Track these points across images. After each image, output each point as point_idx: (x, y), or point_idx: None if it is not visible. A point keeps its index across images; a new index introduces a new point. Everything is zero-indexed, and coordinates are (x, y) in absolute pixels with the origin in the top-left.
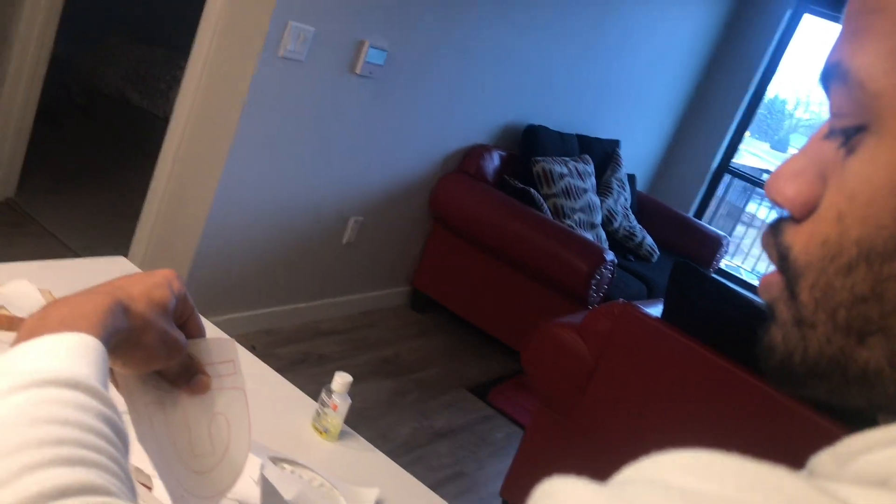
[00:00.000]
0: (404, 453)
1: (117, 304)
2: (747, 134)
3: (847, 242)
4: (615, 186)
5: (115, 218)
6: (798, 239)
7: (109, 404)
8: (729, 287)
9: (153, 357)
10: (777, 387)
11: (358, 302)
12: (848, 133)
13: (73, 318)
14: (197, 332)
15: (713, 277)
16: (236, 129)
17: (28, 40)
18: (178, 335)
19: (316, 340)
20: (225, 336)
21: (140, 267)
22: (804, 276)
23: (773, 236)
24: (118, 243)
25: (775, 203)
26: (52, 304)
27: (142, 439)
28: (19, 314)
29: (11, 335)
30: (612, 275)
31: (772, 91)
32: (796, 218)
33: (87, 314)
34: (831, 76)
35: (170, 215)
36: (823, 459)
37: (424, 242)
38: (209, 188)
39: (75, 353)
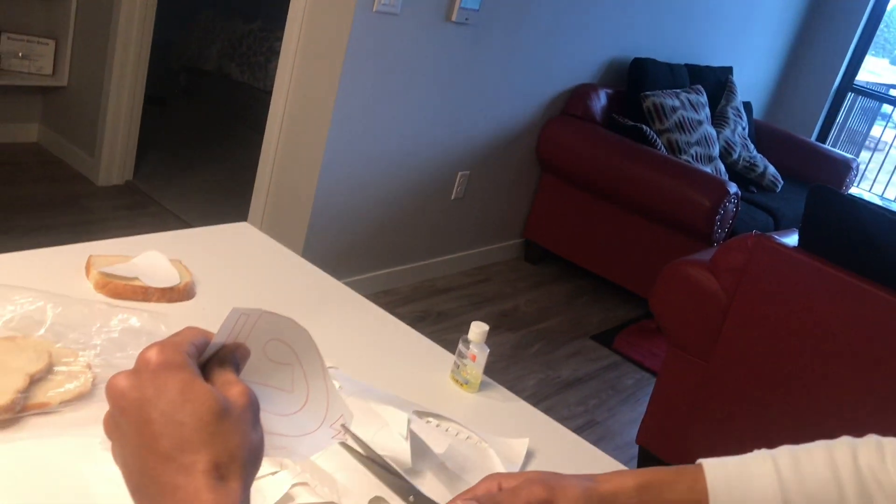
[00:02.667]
0: (533, 405)
1: (213, 488)
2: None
3: None
4: (731, 116)
5: (230, 192)
6: None
7: None
8: (873, 206)
9: (262, 441)
10: None
11: (472, 257)
12: None
13: None
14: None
15: (855, 198)
16: (337, 92)
17: (129, 29)
18: (243, 399)
19: (433, 298)
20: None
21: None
22: None
23: None
24: (235, 216)
25: None
26: None
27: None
28: (153, 285)
29: (147, 305)
30: (737, 208)
31: (893, 2)
32: None
33: None
34: None
35: (282, 185)
36: None
37: (534, 192)
38: (317, 154)
39: None
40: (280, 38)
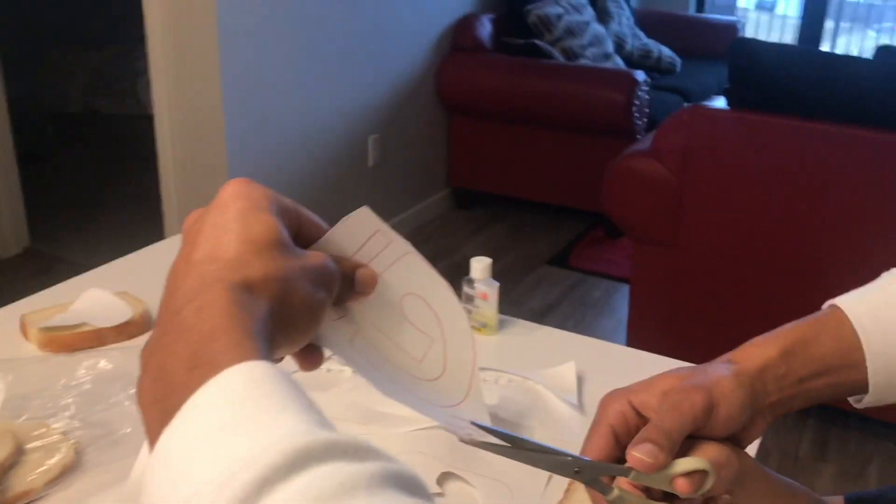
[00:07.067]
0: None
1: (231, 289)
2: None
3: None
4: (612, 10)
5: (137, 226)
6: None
7: (376, 453)
8: (796, 47)
9: (316, 311)
10: None
11: (405, 221)
12: None
13: (202, 352)
14: (317, 231)
15: (776, 44)
16: (222, 90)
17: None
18: (318, 260)
19: None
20: (353, 212)
21: None
22: None
23: None
24: None
25: None
26: (153, 345)
27: (363, 372)
28: (105, 325)
29: (106, 349)
30: (649, 95)
31: None
32: None
33: (211, 334)
34: None
35: (191, 201)
36: None
37: (448, 137)
38: (220, 160)
39: (253, 407)
40: (140, 57)
